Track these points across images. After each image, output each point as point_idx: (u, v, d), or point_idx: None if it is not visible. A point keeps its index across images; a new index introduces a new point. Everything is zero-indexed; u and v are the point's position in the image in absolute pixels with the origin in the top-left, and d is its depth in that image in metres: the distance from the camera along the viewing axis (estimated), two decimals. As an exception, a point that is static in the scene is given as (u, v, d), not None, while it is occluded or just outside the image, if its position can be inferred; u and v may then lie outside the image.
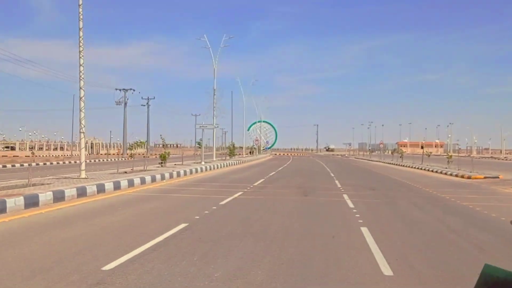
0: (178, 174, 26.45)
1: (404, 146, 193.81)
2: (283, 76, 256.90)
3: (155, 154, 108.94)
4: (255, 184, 22.87)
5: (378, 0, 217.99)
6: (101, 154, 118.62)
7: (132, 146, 22.45)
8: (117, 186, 18.39)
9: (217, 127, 38.41)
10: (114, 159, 68.46)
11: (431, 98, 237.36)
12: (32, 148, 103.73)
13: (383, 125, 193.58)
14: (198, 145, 38.44)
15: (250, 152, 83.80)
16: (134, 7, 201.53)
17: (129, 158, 70.59)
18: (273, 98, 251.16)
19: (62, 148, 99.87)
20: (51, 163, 46.93)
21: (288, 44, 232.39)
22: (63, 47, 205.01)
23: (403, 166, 49.12)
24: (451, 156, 42.73)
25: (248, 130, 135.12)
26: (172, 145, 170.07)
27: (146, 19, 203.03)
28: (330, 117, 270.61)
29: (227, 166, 42.53)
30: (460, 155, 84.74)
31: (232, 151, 56.66)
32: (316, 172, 36.86)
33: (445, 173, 33.68)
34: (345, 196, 17.76)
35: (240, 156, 69.36)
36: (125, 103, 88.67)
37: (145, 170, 26.92)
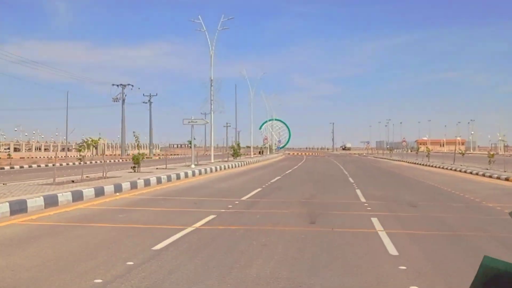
0: (147, 183, 19.92)
1: (424, 144, 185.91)
2: (299, 76, 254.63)
3: (160, 155, 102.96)
4: (245, 197, 16.27)
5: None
6: (106, 155, 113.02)
7: (80, 147, 17.38)
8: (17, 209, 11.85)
9: (207, 122, 31.91)
10: (111, 161, 62.23)
11: (449, 95, 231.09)
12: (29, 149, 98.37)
13: (401, 123, 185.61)
14: (189, 144, 31.97)
15: (260, 152, 77.18)
16: (147, 8, 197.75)
17: (124, 160, 64.36)
18: (289, 98, 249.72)
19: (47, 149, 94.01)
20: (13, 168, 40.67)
21: (304, 44, 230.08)
22: (79, 49, 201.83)
23: (432, 166, 42.19)
24: (493, 154, 35.64)
25: (260, 128, 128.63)
26: (181, 145, 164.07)
27: (159, 20, 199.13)
28: (347, 115, 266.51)
29: (224, 169, 36.01)
30: (486, 153, 77.34)
31: (236, 152, 50.07)
32: (331, 176, 30.17)
33: (493, 177, 26.76)
34: (375, 222, 11.09)
35: (247, 156, 62.77)
36: (123, 100, 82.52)
37: (104, 178, 20.44)
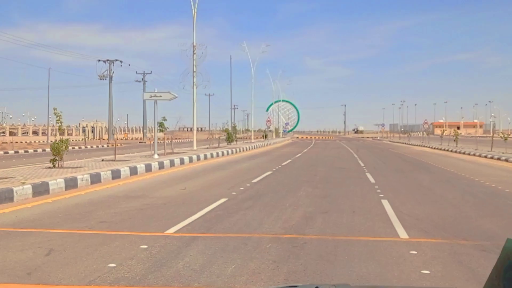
0: (46, 190, 12.27)
1: (440, 127, 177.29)
2: (311, 58, 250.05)
3: (162, 139, 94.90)
4: (171, 230, 8.41)
5: None
6: (103, 139, 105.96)
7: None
8: None
9: (176, 97, 24.02)
10: (100, 146, 54.93)
11: (464, 77, 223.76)
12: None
13: (416, 105, 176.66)
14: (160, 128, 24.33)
15: (263, 136, 69.35)
16: None
17: (110, 145, 56.94)
18: (301, 80, 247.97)
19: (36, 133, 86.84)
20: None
21: (316, 26, 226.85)
22: (91, 31, 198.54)
23: (466, 154, 34.27)
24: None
25: (267, 111, 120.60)
26: (189, 129, 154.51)
27: (170, 2, 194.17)
28: (359, 98, 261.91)
29: (205, 159, 28.33)
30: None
31: (230, 136, 42.33)
32: (340, 170, 22.34)
33: None
34: None
35: (246, 141, 55.00)
36: (110, 77, 74.29)
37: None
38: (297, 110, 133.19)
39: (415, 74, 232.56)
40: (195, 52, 29.79)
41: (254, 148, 43.51)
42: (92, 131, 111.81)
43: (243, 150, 38.89)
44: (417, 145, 55.70)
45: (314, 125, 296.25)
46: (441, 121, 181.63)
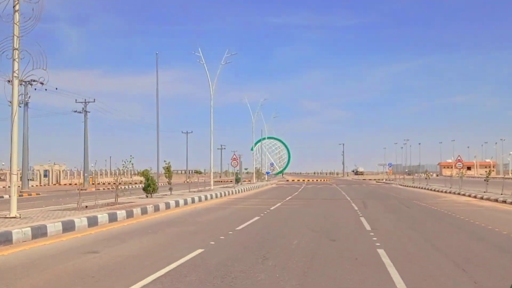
0: None
1: (447, 168, 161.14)
2: (309, 102, 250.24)
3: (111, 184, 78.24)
4: None
5: (401, 24, 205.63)
6: (64, 184, 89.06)
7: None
8: None
9: None
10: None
11: (465, 118, 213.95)
12: None
13: (420, 144, 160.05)
14: None
15: (236, 180, 52.68)
16: (157, 36, 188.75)
17: (83, 191, 40.60)
18: (299, 123, 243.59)
19: None
20: None
21: (313, 69, 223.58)
22: (90, 77, 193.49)
23: None
24: None
25: (252, 150, 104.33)
26: (183, 171, 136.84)
27: (171, 47, 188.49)
28: (358, 139, 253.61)
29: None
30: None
31: (152, 183, 25.89)
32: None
33: None
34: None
35: (200, 189, 38.31)
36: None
37: None
38: (287, 148, 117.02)
39: (414, 115, 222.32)
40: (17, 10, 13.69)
41: (193, 202, 26.90)
42: (45, 175, 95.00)
43: (157, 211, 22.20)
44: (446, 192, 39.29)
45: (311, 167, 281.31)
46: (449, 161, 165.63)
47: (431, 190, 44.77)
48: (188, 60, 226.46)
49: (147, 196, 26.41)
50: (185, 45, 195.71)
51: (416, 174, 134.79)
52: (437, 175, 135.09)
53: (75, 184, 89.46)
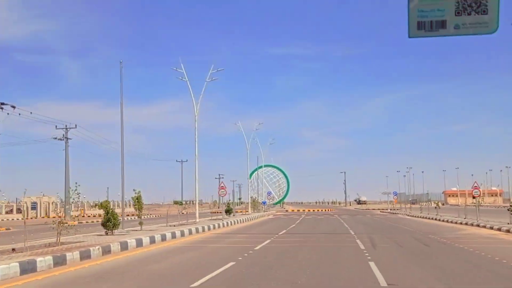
0: None
1: (452, 196, 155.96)
2: (308, 130, 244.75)
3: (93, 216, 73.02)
4: None
5: (398, 53, 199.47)
6: (53, 217, 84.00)
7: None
8: None
9: None
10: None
11: (467, 146, 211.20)
12: None
13: (423, 172, 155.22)
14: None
15: (227, 212, 47.92)
16: (155, 66, 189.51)
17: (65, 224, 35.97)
18: (299, 152, 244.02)
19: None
20: None
21: (312, 98, 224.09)
22: (92, 109, 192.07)
23: None
24: None
25: (250, 178, 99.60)
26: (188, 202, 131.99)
27: (173, 77, 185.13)
28: (359, 167, 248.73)
29: None
30: None
31: (113, 217, 21.24)
32: None
33: None
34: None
35: (179, 223, 33.52)
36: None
37: None
38: (286, 177, 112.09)
39: (415, 144, 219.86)
40: None
41: (163, 239, 22.13)
42: (34, 208, 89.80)
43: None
44: (462, 223, 34.56)
45: (312, 196, 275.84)
46: (454, 189, 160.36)
47: (444, 221, 39.90)
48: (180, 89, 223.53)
49: (106, 233, 21.67)
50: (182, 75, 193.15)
51: (421, 203, 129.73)
52: (443, 204, 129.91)
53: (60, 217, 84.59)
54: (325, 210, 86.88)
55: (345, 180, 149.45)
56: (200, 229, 27.93)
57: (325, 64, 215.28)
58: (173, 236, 23.18)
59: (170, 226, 28.85)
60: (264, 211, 70.41)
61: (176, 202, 31.23)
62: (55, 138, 55.36)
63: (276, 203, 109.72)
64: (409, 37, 6.77)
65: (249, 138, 61.17)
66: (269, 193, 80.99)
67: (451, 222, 37.72)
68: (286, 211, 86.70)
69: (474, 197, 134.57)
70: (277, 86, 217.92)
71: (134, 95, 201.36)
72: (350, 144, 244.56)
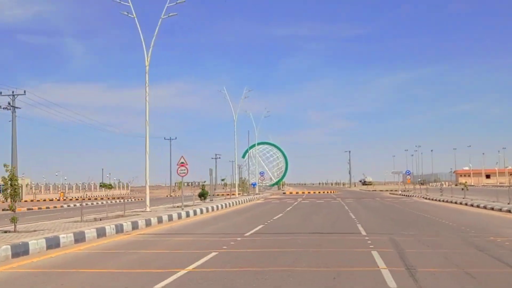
0: None
1: (464, 176, 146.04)
2: (314, 112, 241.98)
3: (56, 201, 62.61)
4: None
5: (406, 33, 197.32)
6: (24, 201, 73.94)
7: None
8: None
9: None
10: None
11: (476, 126, 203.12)
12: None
13: (432, 151, 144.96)
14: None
15: (200, 196, 38.20)
16: (159, 48, 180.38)
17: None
18: (305, 135, 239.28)
19: None
20: None
21: (317, 80, 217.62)
22: (95, 91, 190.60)
23: None
24: None
25: (243, 157, 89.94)
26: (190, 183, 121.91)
27: (175, 60, 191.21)
28: (364, 148, 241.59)
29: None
30: None
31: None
32: None
33: None
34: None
35: (106, 215, 23.84)
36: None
37: None
38: (284, 155, 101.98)
39: (423, 124, 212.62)
40: None
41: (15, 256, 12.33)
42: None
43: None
44: (506, 210, 24.85)
45: (316, 177, 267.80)
46: (466, 168, 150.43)
47: (480, 207, 30.02)
48: (186, 73, 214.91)
49: None
50: (184, 58, 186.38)
51: (430, 184, 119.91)
52: (456, 185, 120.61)
53: (37, 200, 75.21)
54: (327, 192, 76.96)
55: (349, 160, 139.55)
56: (126, 227, 18.04)
57: (332, 44, 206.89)
58: (56, 245, 13.36)
59: (85, 222, 19.11)
60: (257, 194, 60.64)
61: (103, 185, 21.33)
62: (0, 107, 45.38)
63: (273, 185, 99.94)
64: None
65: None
66: (261, 173, 71.11)
67: (491, 208, 27.89)
68: (284, 193, 76.89)
69: (488, 177, 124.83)
70: (282, 68, 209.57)
71: (135, 78, 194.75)
72: (356, 125, 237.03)
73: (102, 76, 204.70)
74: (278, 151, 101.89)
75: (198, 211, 27.52)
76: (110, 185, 21.39)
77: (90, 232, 15.31)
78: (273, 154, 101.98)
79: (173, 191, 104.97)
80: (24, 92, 46.00)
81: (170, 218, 22.87)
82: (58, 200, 77.32)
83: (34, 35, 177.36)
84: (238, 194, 56.70)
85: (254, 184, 58.84)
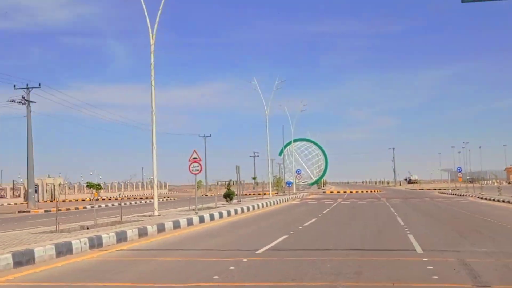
0: None
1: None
2: (355, 110, 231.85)
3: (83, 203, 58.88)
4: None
5: (447, 27, 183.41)
6: (61, 201, 71.34)
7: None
8: None
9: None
10: None
11: None
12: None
13: (480, 147, 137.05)
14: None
15: (226, 197, 34.18)
16: (203, 48, 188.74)
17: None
18: (346, 132, 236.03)
19: None
20: None
21: (358, 77, 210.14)
22: (138, 91, 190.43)
23: None
24: None
25: (280, 155, 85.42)
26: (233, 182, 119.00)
27: (216, 58, 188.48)
28: (409, 145, 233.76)
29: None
30: None
31: None
32: None
33: None
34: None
35: (111, 220, 19.94)
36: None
37: None
38: (323, 152, 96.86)
39: (469, 120, 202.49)
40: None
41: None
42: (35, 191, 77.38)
43: None
44: None
45: (359, 176, 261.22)
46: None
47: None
48: (229, 72, 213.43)
49: None
50: (228, 57, 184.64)
51: (480, 181, 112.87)
52: (509, 183, 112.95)
53: (76, 200, 72.76)
54: (371, 192, 71.76)
55: (393, 157, 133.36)
56: (106, 239, 13.96)
57: (371, 42, 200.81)
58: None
59: (44, 232, 15.19)
60: (293, 194, 56.19)
61: (91, 185, 17.15)
62: (12, 101, 42.24)
63: (313, 183, 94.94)
64: (462, 2, 6.99)
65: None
66: (298, 171, 66.39)
67: None
68: (324, 192, 72.09)
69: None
70: (322, 65, 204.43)
71: (177, 77, 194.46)
72: (400, 122, 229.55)
73: (143, 76, 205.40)
74: (318, 148, 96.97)
75: (216, 215, 23.35)
76: (99, 185, 17.16)
77: (44, 250, 11.26)
78: (312, 151, 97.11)
79: (209, 190, 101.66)
80: (39, 85, 42.82)
81: (177, 225, 18.75)
82: (90, 200, 74.82)
83: (77, 37, 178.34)
84: (273, 194, 52.40)
85: (289, 183, 54.27)
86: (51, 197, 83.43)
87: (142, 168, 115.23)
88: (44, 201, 75.04)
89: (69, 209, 41.66)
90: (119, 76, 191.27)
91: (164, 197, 73.28)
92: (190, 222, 20.14)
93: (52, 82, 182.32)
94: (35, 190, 77.37)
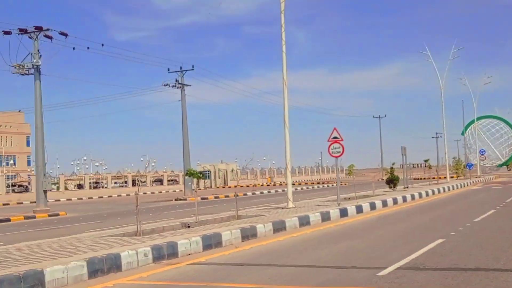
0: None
1: None
2: None
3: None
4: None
5: None
6: (233, 186, 72.08)
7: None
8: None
9: None
10: None
11: None
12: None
13: None
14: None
15: (389, 182, 29.64)
16: (382, 28, 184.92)
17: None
18: None
19: None
20: None
21: None
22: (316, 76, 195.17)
23: None
24: None
25: (463, 134, 76.60)
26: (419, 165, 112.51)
27: (396, 39, 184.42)
28: None
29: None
30: None
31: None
32: None
33: None
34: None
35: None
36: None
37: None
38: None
39: None
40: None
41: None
42: (207, 177, 78.62)
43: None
44: None
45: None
46: None
47: None
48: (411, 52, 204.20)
49: None
50: (409, 36, 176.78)
51: None
52: None
53: (248, 186, 72.32)
54: None
55: None
56: (182, 247, 10.81)
57: None
58: None
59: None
60: (476, 177, 49.06)
61: (191, 173, 14.07)
62: (166, 85, 41.51)
63: (501, 165, 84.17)
64: None
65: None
66: (481, 152, 58.08)
67: None
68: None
69: None
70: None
71: (356, 60, 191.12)
72: None
73: (323, 61, 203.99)
74: (507, 126, 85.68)
75: (365, 207, 19.22)
76: (197, 173, 14.09)
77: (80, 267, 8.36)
78: (500, 129, 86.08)
79: (385, 174, 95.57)
80: (192, 67, 41.62)
81: (305, 222, 15.05)
82: (262, 185, 73.88)
83: (257, 26, 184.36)
84: (451, 177, 46.03)
85: (469, 166, 47.29)
86: (224, 183, 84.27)
87: (321, 152, 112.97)
88: (217, 187, 75.64)
89: (227, 196, 39.97)
90: (300, 62, 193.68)
91: (343, 183, 69.55)
92: (327, 217, 16.34)
93: (236, 72, 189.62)
94: (207, 176, 78.58)
